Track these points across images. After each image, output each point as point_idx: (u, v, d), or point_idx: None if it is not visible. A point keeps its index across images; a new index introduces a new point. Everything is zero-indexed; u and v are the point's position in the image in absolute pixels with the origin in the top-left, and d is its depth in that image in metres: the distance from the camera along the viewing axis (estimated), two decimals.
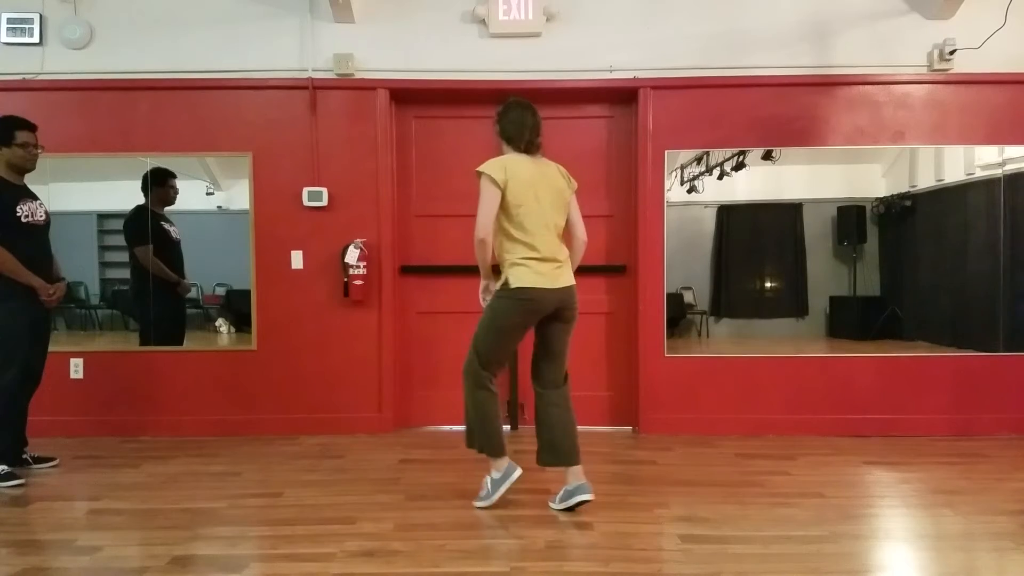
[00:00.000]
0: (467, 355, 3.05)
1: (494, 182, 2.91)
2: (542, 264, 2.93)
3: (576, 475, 3.02)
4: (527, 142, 3.02)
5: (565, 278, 3.00)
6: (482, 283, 3.12)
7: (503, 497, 3.09)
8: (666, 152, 4.40)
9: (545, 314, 2.98)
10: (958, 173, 4.54)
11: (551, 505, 3.07)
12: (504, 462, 3.07)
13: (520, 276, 2.92)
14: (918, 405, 4.37)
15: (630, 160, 4.50)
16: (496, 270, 3.07)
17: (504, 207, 2.94)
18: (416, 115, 4.57)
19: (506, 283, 2.95)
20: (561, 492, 3.04)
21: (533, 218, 2.94)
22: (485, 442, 3.04)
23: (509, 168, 2.94)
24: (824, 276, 4.71)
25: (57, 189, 4.37)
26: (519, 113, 3.03)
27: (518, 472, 3.07)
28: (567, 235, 3.13)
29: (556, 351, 3.06)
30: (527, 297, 2.92)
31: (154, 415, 4.41)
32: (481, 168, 2.95)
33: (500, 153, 3.09)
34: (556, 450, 3.03)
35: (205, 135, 4.42)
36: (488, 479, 3.10)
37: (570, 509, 3.00)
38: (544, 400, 3.07)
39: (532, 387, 3.13)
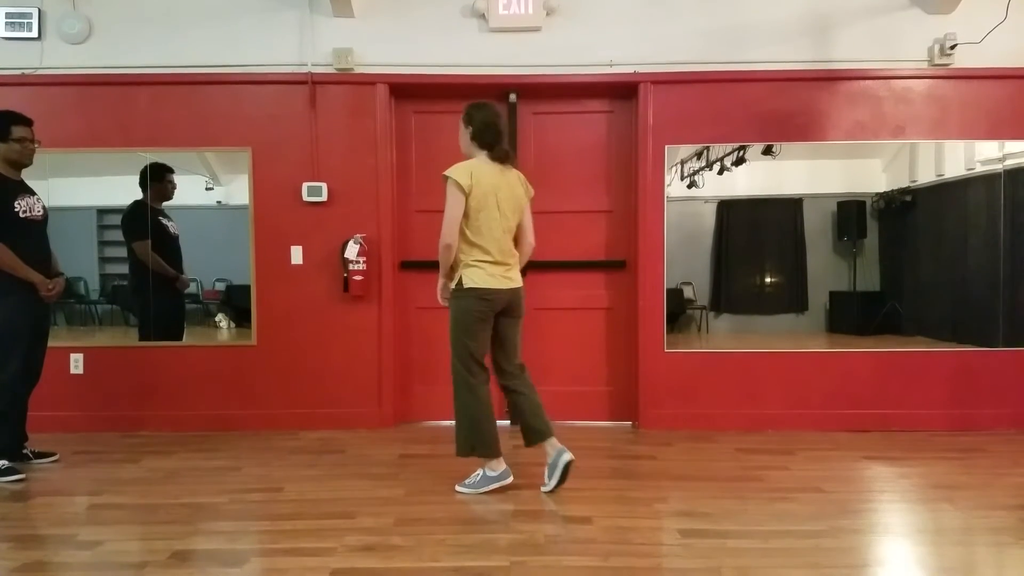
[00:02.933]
0: (451, 363, 3.17)
1: (460, 187, 3.02)
2: (494, 267, 3.09)
3: (552, 444, 3.14)
4: (498, 147, 3.12)
5: (514, 280, 3.18)
6: (441, 281, 3.22)
7: (504, 492, 3.13)
8: (666, 147, 4.39)
9: (496, 311, 3.13)
10: (958, 168, 4.53)
11: (545, 489, 3.15)
12: (501, 464, 3.18)
13: (473, 277, 3.08)
14: (917, 400, 4.37)
15: (630, 155, 4.48)
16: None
17: (466, 211, 3.05)
18: (416, 110, 4.55)
19: (460, 283, 3.10)
20: (546, 470, 3.15)
21: (491, 223, 3.06)
22: (481, 445, 3.13)
23: (475, 174, 3.05)
24: (824, 271, 4.70)
25: (56, 184, 4.36)
26: (491, 115, 3.12)
27: (510, 479, 3.19)
28: (518, 238, 3.24)
29: (509, 342, 3.21)
30: (482, 296, 3.08)
31: (154, 410, 4.41)
32: (448, 172, 3.05)
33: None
34: (534, 429, 3.18)
35: (204, 130, 4.41)
36: (482, 471, 3.18)
37: (563, 479, 3.11)
38: (511, 391, 3.22)
39: (498, 384, 3.24)
